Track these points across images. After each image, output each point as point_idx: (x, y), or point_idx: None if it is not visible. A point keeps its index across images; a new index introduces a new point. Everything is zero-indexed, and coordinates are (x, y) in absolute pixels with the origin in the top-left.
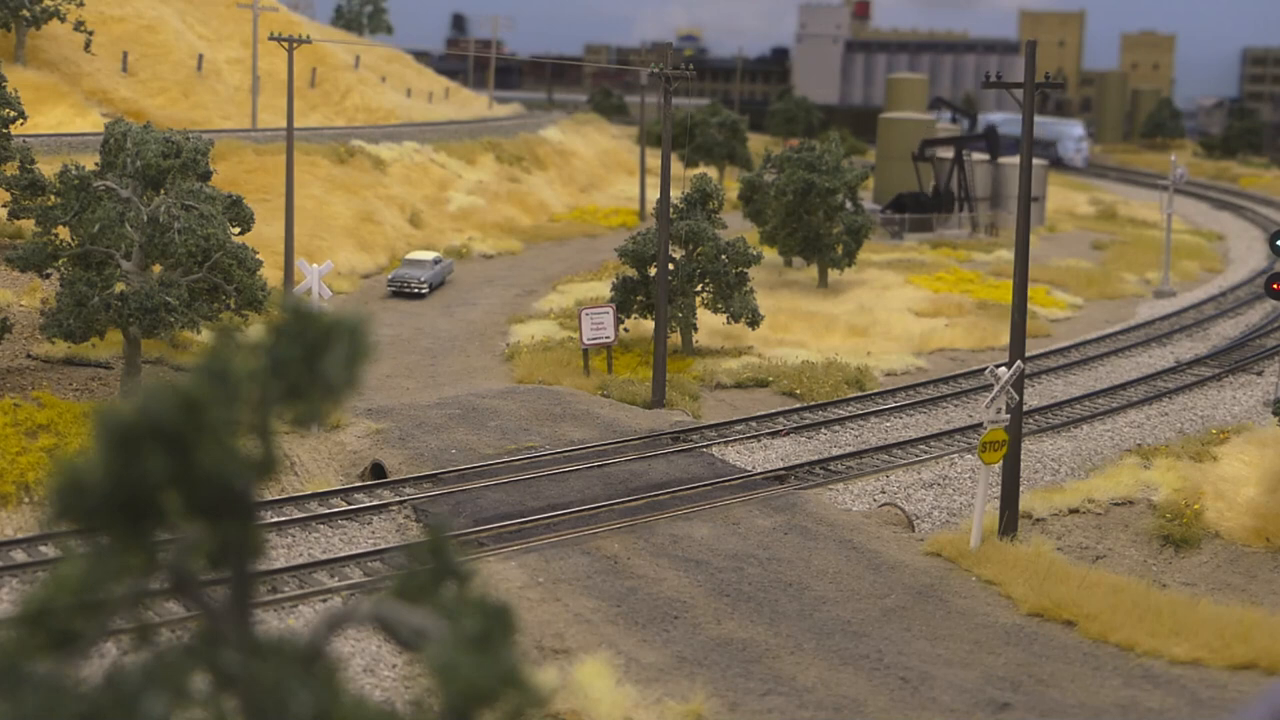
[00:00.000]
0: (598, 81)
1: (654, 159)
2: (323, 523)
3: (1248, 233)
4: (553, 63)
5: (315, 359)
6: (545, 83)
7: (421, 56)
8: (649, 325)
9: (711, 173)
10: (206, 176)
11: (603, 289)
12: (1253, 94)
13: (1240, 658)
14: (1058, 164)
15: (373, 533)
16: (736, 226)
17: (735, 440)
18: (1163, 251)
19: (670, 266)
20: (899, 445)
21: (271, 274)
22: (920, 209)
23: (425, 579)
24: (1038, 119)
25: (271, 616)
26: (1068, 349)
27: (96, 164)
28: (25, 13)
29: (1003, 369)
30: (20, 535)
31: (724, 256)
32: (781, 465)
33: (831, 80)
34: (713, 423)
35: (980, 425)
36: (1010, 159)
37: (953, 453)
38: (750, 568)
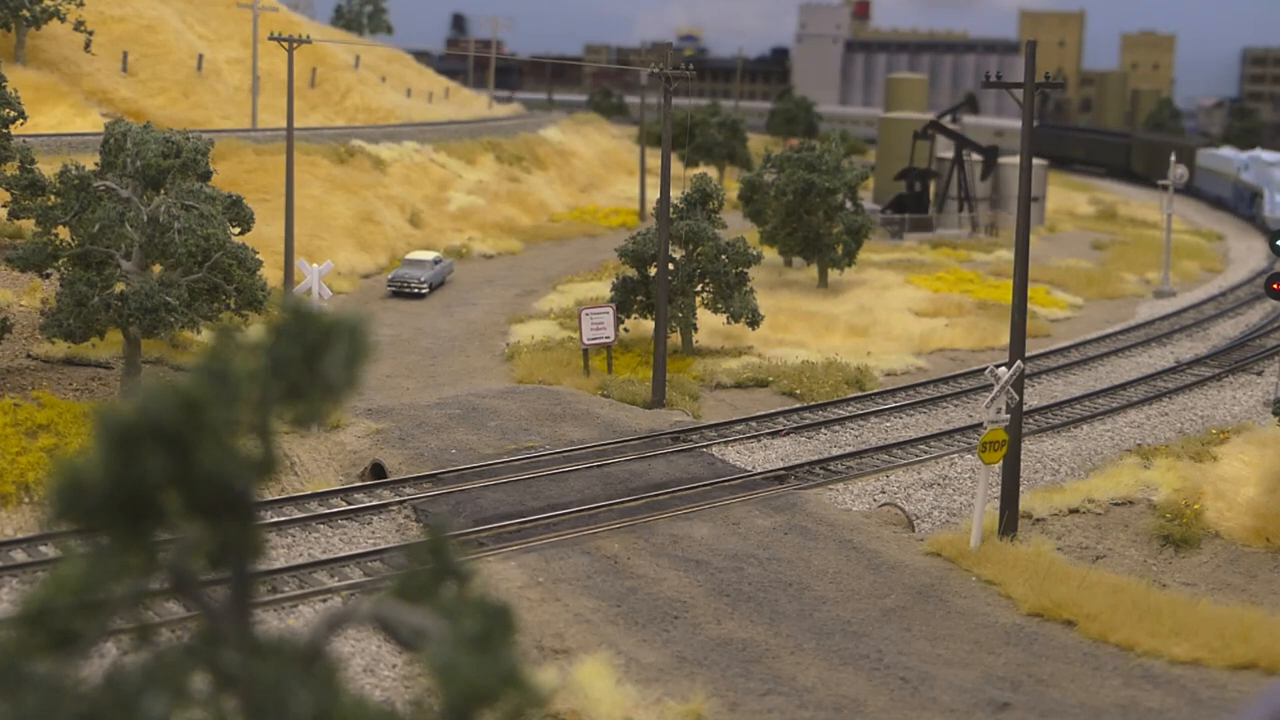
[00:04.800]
0: (598, 81)
1: (654, 159)
2: (323, 523)
3: (1248, 233)
4: (553, 63)
5: (315, 359)
6: (545, 83)
7: (421, 56)
8: (649, 325)
9: (711, 173)
10: (206, 176)
11: (603, 289)
12: (1253, 94)
13: (1240, 658)
14: (1254, 221)
15: (373, 533)
16: (736, 226)
17: (735, 440)
18: (1163, 251)
19: (670, 266)
20: (899, 445)
21: (271, 274)
22: (924, 181)
23: (425, 579)
24: (1235, 155)
25: (271, 616)
26: (1068, 349)
27: (96, 164)
28: (25, 13)
29: (1003, 369)
30: (20, 535)
31: (724, 256)
32: (781, 465)
33: (831, 80)
34: (713, 423)
35: (980, 425)
36: (1010, 159)
37: (953, 453)
38: (750, 568)
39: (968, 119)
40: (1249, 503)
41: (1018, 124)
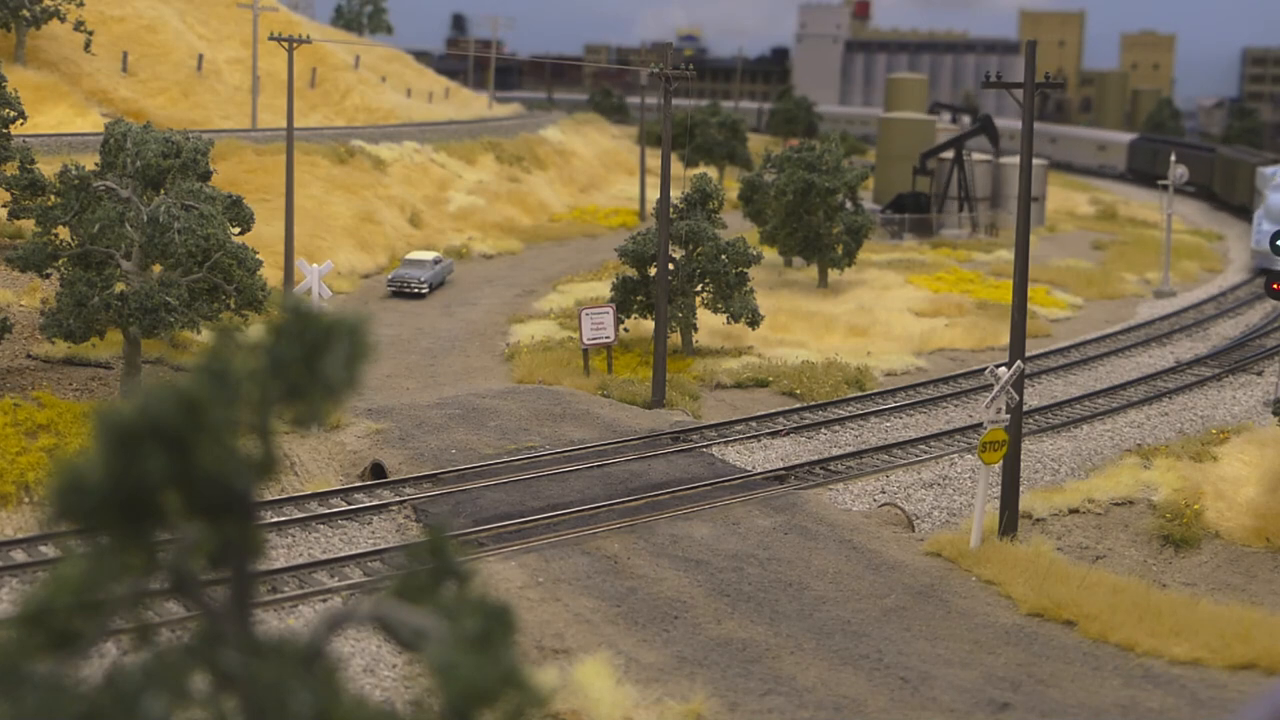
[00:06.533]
0: (598, 81)
1: (654, 159)
2: (323, 523)
3: (1248, 233)
4: (553, 63)
5: (315, 359)
6: (545, 83)
7: (421, 56)
8: (649, 325)
9: (711, 173)
10: (206, 176)
11: (603, 289)
12: (1253, 94)
13: (1240, 658)
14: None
15: (373, 533)
16: (736, 226)
17: (735, 440)
18: (1163, 251)
19: (670, 266)
20: (899, 445)
21: (271, 274)
22: (920, 209)
23: (425, 579)
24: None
25: (271, 616)
26: (1068, 349)
27: (96, 164)
28: (25, 13)
29: (1003, 369)
30: (20, 535)
31: (724, 256)
32: (781, 465)
33: (831, 80)
34: (713, 423)
35: (980, 425)
36: (1010, 159)
37: (953, 453)
38: (750, 568)
39: (1080, 131)
40: (1249, 503)
41: (1121, 136)
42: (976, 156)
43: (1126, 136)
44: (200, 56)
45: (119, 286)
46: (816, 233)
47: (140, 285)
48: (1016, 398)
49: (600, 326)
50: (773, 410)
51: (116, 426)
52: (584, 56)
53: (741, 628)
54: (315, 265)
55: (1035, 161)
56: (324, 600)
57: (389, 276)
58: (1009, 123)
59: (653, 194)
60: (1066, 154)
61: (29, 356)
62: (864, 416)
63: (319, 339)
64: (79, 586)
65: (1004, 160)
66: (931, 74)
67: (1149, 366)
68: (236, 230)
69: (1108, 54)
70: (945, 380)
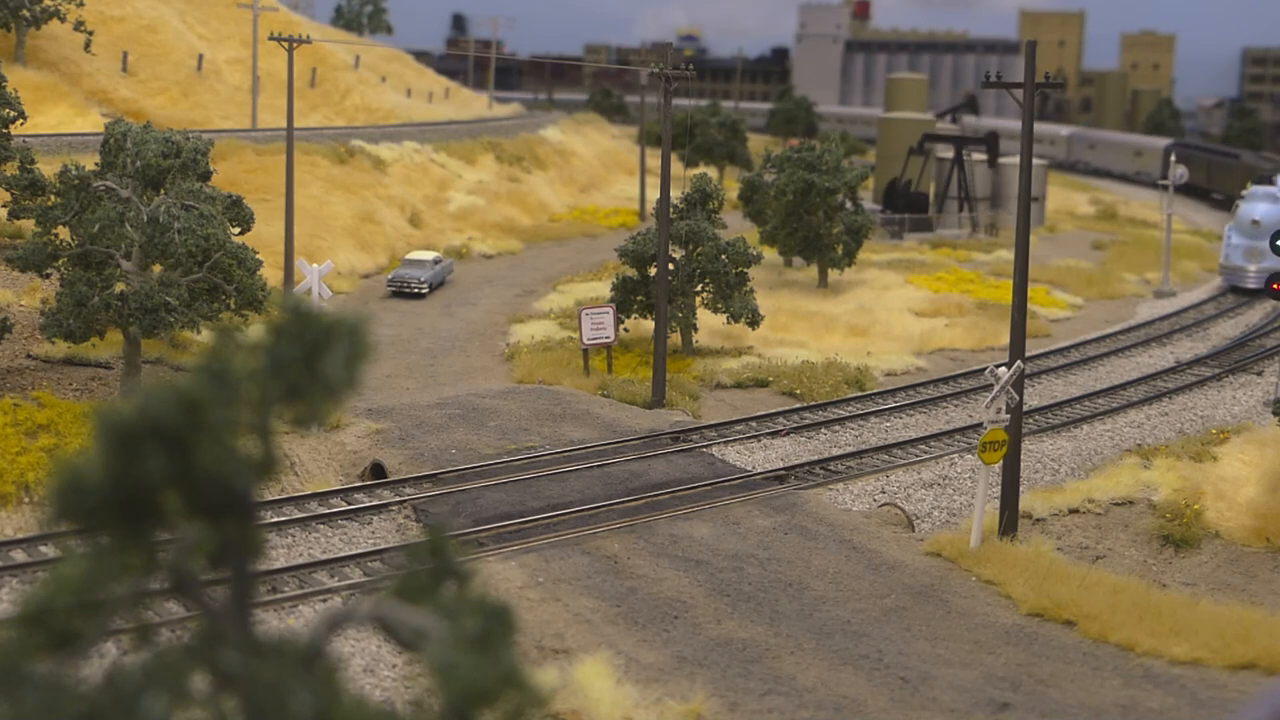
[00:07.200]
0: (598, 81)
1: (654, 159)
2: (323, 523)
3: None
4: (553, 63)
5: (315, 359)
6: (545, 83)
7: (421, 56)
8: (649, 325)
9: (711, 173)
10: (206, 176)
11: (603, 289)
12: (1253, 94)
13: (1240, 658)
14: None
15: (373, 533)
16: (736, 226)
17: (735, 440)
18: (1163, 251)
19: (670, 266)
20: (899, 445)
21: (271, 274)
22: (909, 202)
23: (425, 579)
24: None
25: (271, 616)
26: (1068, 349)
27: (96, 164)
28: (25, 13)
29: (1003, 369)
30: (20, 535)
31: (724, 256)
32: (781, 465)
33: (831, 80)
34: (713, 423)
35: (980, 425)
36: (1010, 159)
37: (953, 453)
38: (750, 568)
39: (1117, 137)
40: (1249, 503)
41: (1157, 142)
42: (976, 157)
43: (1162, 142)
44: (200, 56)
45: (119, 286)
46: (816, 233)
47: (140, 285)
48: (1016, 398)
49: (600, 326)
50: (773, 410)
51: (116, 426)
52: (584, 56)
53: (741, 628)
54: (315, 265)
55: (1036, 162)
56: (324, 600)
57: (389, 276)
58: (1013, 123)
59: (653, 194)
60: (1105, 160)
61: (29, 356)
62: (864, 416)
63: (319, 339)
64: (79, 586)
65: (1004, 160)
66: (931, 74)
67: (1149, 366)
68: (236, 230)
69: (1108, 54)
70: (945, 380)
